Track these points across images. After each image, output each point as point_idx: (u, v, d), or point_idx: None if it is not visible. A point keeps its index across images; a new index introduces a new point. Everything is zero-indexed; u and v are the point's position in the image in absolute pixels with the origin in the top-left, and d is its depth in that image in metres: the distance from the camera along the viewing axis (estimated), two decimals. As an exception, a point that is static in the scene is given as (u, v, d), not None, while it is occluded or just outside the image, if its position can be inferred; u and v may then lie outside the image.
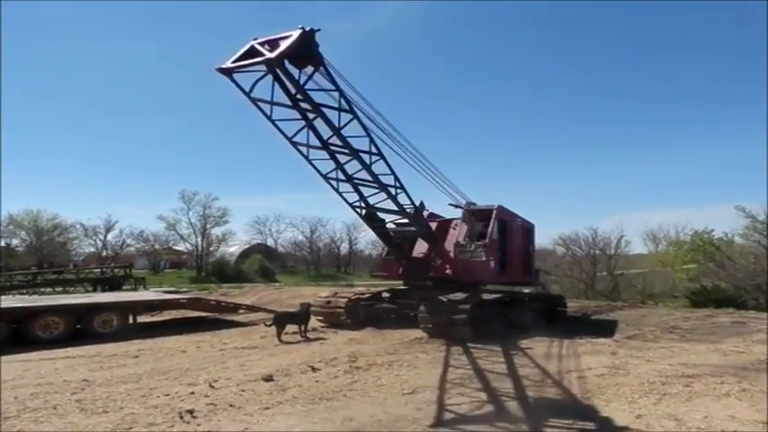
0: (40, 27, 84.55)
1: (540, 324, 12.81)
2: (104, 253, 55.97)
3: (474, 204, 13.87)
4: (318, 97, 9.14)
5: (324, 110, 9.19)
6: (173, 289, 25.05)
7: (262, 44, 8.35)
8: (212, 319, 15.61)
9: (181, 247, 63.18)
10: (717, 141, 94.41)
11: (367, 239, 74.22)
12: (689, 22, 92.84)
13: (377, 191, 10.93)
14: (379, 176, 10.53)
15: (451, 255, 13.29)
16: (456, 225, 14.21)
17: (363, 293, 14.81)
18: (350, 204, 11.49)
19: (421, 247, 13.84)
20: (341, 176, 10.54)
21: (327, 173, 10.52)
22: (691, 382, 7.25)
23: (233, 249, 66.17)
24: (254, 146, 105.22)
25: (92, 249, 58.30)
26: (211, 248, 61.42)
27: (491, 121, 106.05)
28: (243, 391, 7.04)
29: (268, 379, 7.63)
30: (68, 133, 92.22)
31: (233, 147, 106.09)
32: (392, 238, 13.32)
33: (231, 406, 6.30)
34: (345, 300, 13.81)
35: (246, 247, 68.37)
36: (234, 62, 8.28)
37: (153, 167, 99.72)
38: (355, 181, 10.65)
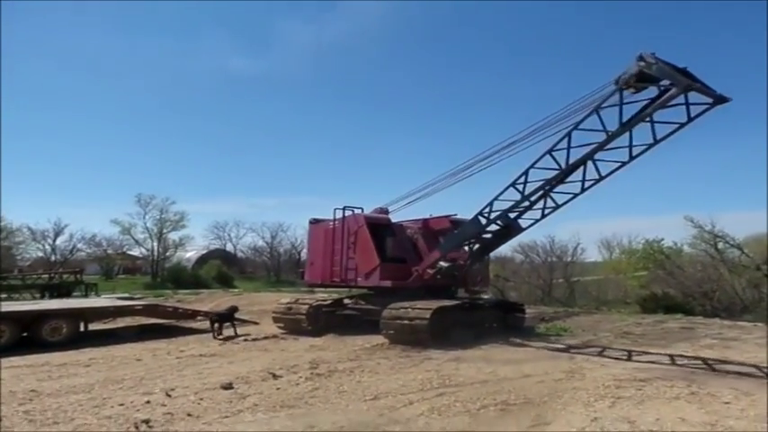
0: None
1: (499, 330, 13.06)
2: (53, 258, 53.68)
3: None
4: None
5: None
6: (126, 295, 24.27)
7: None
8: (169, 327, 15.18)
9: (135, 251, 61.27)
10: (668, 153, 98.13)
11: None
12: (650, 35, 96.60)
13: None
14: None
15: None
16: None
17: (325, 300, 14.75)
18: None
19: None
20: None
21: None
22: (643, 386, 7.49)
23: (190, 254, 64.49)
24: (213, 149, 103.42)
25: (39, 254, 55.87)
26: (168, 253, 59.76)
27: (446, 126, 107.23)
28: (201, 399, 6.89)
29: (227, 387, 7.49)
30: (14, 130, 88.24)
31: (192, 149, 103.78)
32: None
33: (189, 415, 6.16)
34: (307, 306, 13.71)
35: (204, 252, 66.74)
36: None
37: (107, 169, 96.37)
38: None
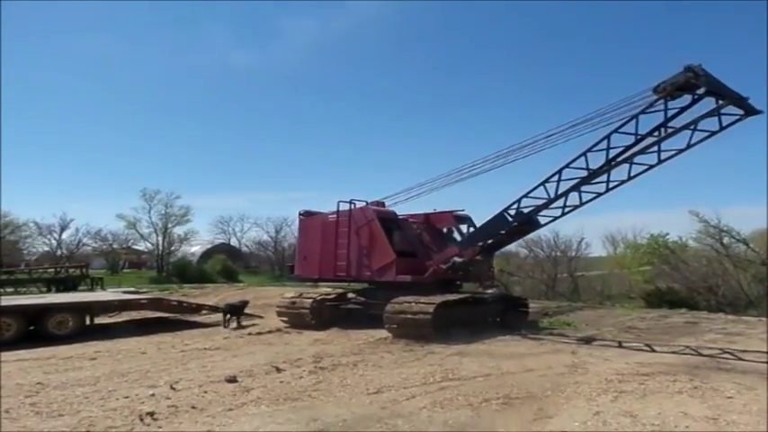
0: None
1: (502, 324, 13.08)
2: (59, 252, 54.03)
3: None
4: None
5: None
6: (132, 289, 24.39)
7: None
8: (174, 320, 15.30)
9: (141, 246, 61.56)
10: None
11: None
12: (647, 25, 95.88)
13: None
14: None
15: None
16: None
17: (329, 294, 14.77)
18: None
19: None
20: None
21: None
22: (645, 380, 7.49)
23: (195, 249, 64.73)
24: (216, 143, 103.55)
25: (46, 249, 56.24)
26: (173, 248, 59.97)
27: (460, 121, 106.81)
28: (205, 392, 6.94)
29: (231, 380, 7.55)
30: (20, 125, 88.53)
31: (195, 144, 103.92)
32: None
33: (193, 408, 6.21)
34: (311, 300, 13.73)
35: (209, 246, 66.96)
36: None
37: (112, 164, 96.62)
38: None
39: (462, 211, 14.62)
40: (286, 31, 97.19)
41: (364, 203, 14.42)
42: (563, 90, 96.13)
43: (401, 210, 14.91)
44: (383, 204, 14.78)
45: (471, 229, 14.39)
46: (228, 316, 14.18)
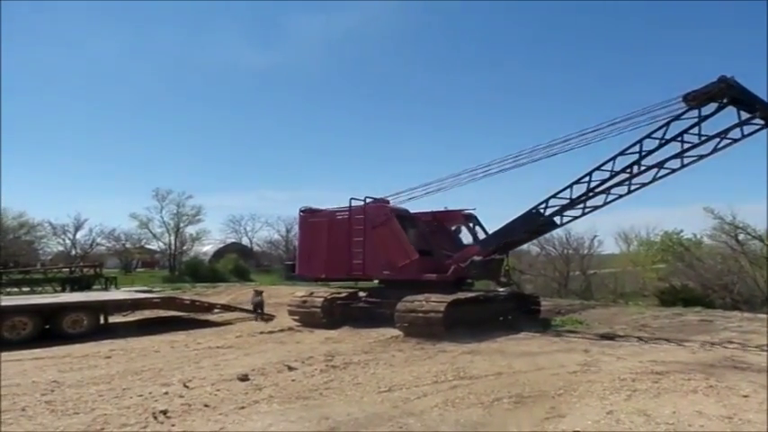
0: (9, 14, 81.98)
1: (513, 323, 13.02)
2: (73, 252, 54.62)
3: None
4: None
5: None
6: (145, 288, 24.58)
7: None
8: (186, 319, 15.41)
9: (153, 245, 62.14)
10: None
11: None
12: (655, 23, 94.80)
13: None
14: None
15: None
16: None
17: (340, 293, 14.76)
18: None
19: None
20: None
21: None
22: (660, 379, 7.42)
23: (207, 248, 65.19)
24: (226, 142, 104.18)
25: (60, 248, 56.93)
26: (185, 247, 60.44)
27: (463, 121, 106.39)
28: (218, 390, 6.99)
29: (244, 378, 7.59)
30: (35, 127, 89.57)
31: (205, 143, 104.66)
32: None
33: (206, 406, 6.25)
34: (322, 299, 13.72)
35: (221, 246, 67.45)
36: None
37: (125, 164, 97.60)
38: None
39: (474, 209, 14.61)
40: (295, 29, 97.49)
41: (372, 201, 14.38)
42: (580, 94, 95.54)
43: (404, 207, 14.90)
44: (387, 202, 14.70)
45: (477, 228, 14.35)
46: (259, 310, 15.89)
